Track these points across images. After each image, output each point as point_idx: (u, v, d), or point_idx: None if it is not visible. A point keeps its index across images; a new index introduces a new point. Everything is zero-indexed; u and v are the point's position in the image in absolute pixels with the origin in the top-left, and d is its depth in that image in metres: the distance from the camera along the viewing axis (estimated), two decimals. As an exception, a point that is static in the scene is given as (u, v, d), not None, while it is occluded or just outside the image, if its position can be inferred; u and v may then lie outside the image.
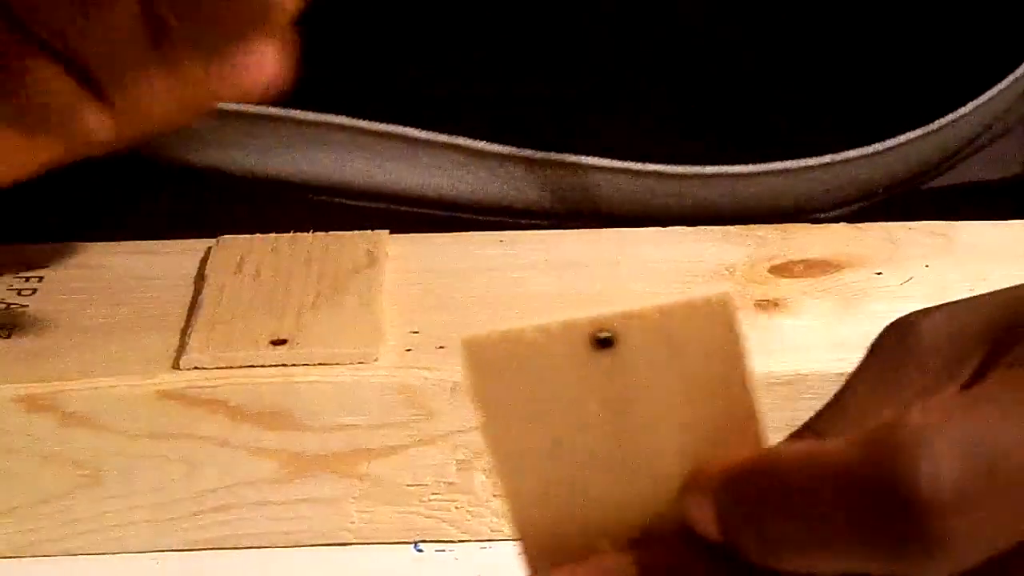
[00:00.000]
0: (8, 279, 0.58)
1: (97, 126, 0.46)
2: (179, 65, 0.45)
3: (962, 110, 0.71)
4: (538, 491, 0.37)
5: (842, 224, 0.60)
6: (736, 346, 0.36)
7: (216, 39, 0.45)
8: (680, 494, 0.36)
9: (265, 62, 0.45)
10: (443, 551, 0.53)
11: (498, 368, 0.36)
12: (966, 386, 0.37)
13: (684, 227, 0.61)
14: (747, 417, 0.36)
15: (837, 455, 0.34)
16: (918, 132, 0.70)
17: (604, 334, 0.36)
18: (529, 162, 0.67)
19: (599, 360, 0.36)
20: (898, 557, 0.33)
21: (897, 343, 0.38)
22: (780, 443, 0.37)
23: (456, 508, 0.53)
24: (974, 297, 0.38)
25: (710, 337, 0.36)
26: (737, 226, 0.61)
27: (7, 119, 0.46)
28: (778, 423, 0.51)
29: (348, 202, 0.67)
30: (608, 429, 0.36)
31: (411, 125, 0.68)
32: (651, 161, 0.68)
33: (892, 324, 0.39)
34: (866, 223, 0.60)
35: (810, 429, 0.38)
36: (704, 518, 0.35)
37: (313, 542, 0.53)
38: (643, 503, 0.37)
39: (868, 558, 0.33)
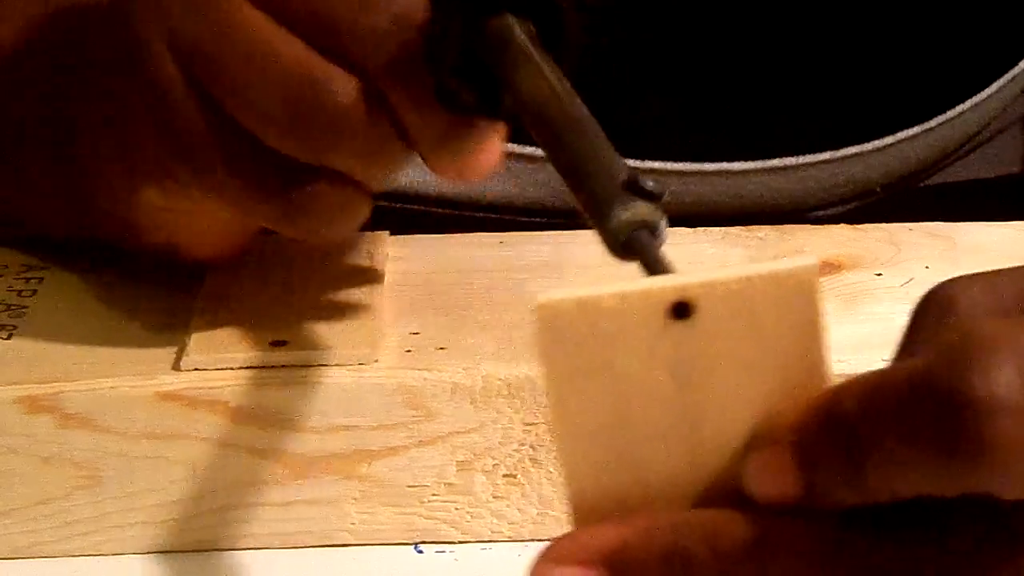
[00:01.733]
0: (9, 279, 0.58)
1: (363, 219, 0.50)
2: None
3: (959, 108, 0.71)
4: (598, 462, 0.36)
5: (842, 225, 0.60)
6: (816, 321, 0.35)
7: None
8: (747, 452, 0.36)
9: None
10: (443, 552, 0.53)
11: (571, 333, 0.35)
12: None
13: (684, 228, 0.61)
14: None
15: (908, 370, 0.34)
16: (915, 130, 0.70)
17: (683, 302, 0.35)
18: (530, 159, 0.67)
19: (675, 330, 0.35)
20: (952, 459, 0.33)
21: (939, 309, 0.38)
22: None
23: (456, 509, 0.53)
24: (1013, 268, 0.38)
25: (791, 310, 0.35)
26: (737, 227, 0.61)
27: (281, 221, 0.49)
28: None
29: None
30: (676, 402, 0.36)
31: None
32: (650, 158, 0.68)
33: (930, 293, 0.38)
34: (866, 224, 0.60)
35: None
36: (781, 467, 0.35)
37: (313, 543, 0.53)
38: (704, 483, 0.36)
39: (932, 464, 0.33)
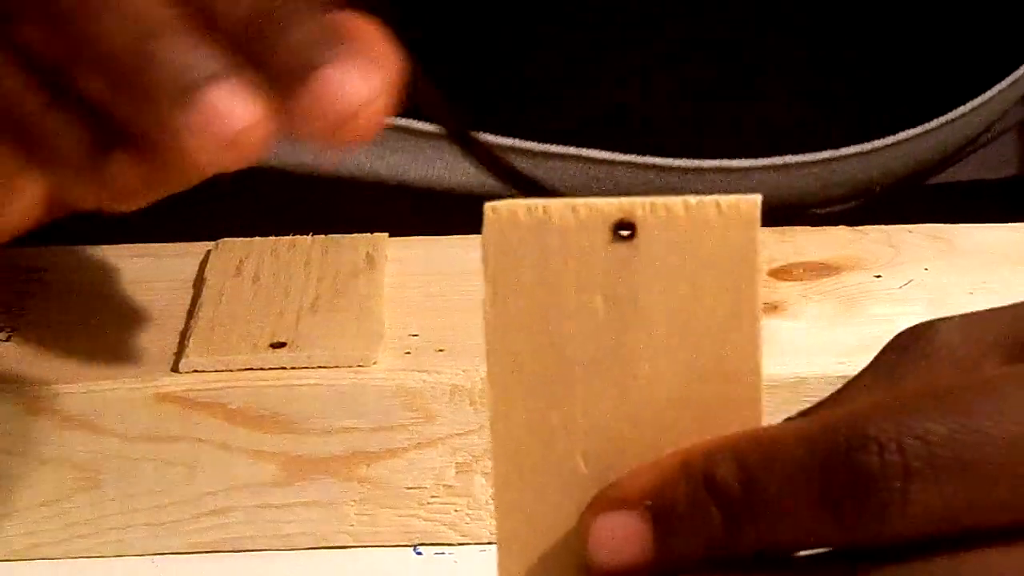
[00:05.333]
0: (8, 280, 0.58)
1: (121, 179, 0.41)
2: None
3: (961, 109, 0.71)
4: (525, 382, 0.36)
5: (841, 227, 0.60)
6: (752, 259, 0.35)
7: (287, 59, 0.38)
8: (587, 514, 0.36)
9: (355, 85, 0.38)
10: (442, 554, 0.53)
11: (517, 243, 0.35)
12: None
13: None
14: (748, 343, 0.36)
15: (800, 437, 0.34)
16: (917, 130, 0.70)
17: (627, 222, 0.35)
18: (531, 154, 0.67)
19: (617, 251, 0.35)
20: (843, 521, 0.33)
21: (909, 344, 0.38)
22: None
23: (455, 511, 0.53)
24: (993, 309, 0.38)
25: (729, 244, 0.35)
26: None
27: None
28: (778, 426, 0.52)
29: (350, 193, 0.67)
30: (610, 332, 0.36)
31: (414, 118, 0.68)
32: (651, 153, 0.68)
33: (908, 328, 0.38)
34: (866, 226, 0.60)
35: (805, 418, 0.38)
36: (634, 533, 0.35)
37: (312, 545, 0.53)
38: (628, 422, 0.36)
39: (827, 528, 0.34)
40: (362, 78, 0.37)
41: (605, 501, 0.36)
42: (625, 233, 0.35)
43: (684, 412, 0.36)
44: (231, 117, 0.37)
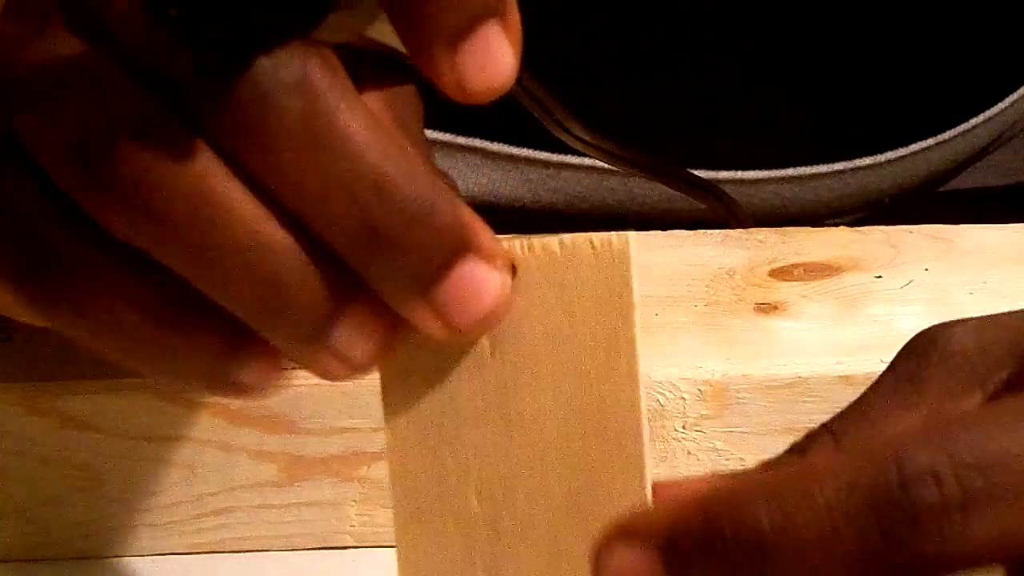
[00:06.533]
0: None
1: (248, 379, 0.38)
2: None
3: (973, 121, 0.71)
4: (420, 424, 0.37)
5: (842, 228, 0.60)
6: (626, 292, 0.36)
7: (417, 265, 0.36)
8: (603, 546, 0.34)
9: (486, 285, 0.37)
10: (443, 554, 0.53)
11: None
12: (993, 398, 0.36)
13: (684, 230, 0.61)
14: (627, 377, 0.36)
15: (832, 468, 0.32)
16: (929, 142, 0.70)
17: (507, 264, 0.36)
18: (545, 164, 0.67)
19: None
20: (899, 557, 0.32)
21: (926, 349, 0.37)
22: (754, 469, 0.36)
23: (455, 511, 0.53)
24: (1005, 314, 0.38)
25: (603, 281, 0.36)
26: (737, 229, 0.61)
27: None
28: (778, 426, 0.52)
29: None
30: (496, 369, 0.37)
31: (427, 127, 0.68)
32: (677, 168, 0.68)
33: (922, 332, 0.38)
34: (866, 227, 0.60)
35: (828, 430, 0.37)
36: (647, 569, 0.33)
37: (313, 545, 0.53)
38: (516, 460, 0.37)
39: (866, 565, 0.32)
40: (491, 272, 0.36)
41: (618, 532, 0.34)
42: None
43: (568, 447, 0.37)
44: (354, 354, 0.37)
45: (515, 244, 0.36)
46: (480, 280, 0.36)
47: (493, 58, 0.35)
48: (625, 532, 0.34)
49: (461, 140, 0.68)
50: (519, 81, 0.51)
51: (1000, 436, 0.32)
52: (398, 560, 0.38)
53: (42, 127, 0.36)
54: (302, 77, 0.34)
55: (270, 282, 0.35)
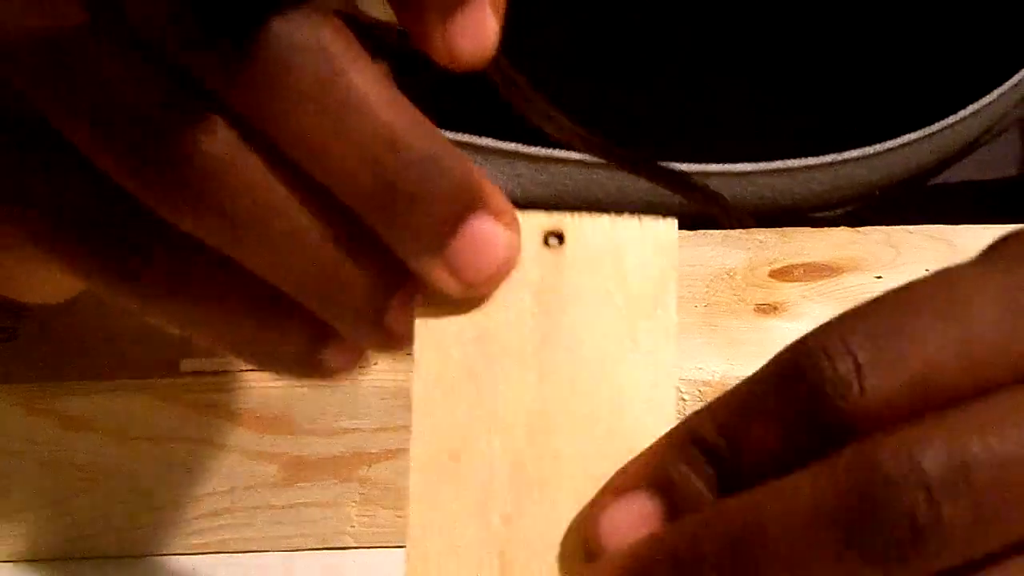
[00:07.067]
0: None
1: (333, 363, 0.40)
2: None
3: (961, 113, 0.71)
4: (452, 379, 0.38)
5: (842, 228, 0.60)
6: (669, 268, 0.38)
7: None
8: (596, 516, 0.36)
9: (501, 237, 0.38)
10: (443, 555, 0.53)
11: None
12: None
13: (684, 231, 0.61)
14: (666, 351, 0.38)
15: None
16: (917, 134, 0.70)
17: (555, 233, 0.38)
18: (534, 159, 0.67)
19: (546, 256, 0.38)
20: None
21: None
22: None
23: (456, 512, 0.53)
24: None
25: (649, 259, 0.38)
26: (737, 230, 0.61)
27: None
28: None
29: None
30: (535, 327, 0.38)
31: None
32: (653, 158, 0.68)
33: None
34: (866, 227, 0.60)
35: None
36: None
37: (313, 546, 0.53)
38: (547, 407, 0.38)
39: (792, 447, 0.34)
40: (501, 228, 0.38)
41: (607, 493, 0.37)
42: (554, 243, 0.38)
43: (599, 402, 0.38)
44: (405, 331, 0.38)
45: (564, 216, 0.38)
46: (492, 236, 0.37)
47: (481, 27, 0.37)
48: (612, 490, 0.36)
49: (449, 135, 0.68)
50: (500, 68, 0.51)
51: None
52: (411, 507, 0.38)
53: (68, 118, 0.36)
54: (317, 39, 0.35)
55: (320, 269, 0.37)
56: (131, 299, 0.39)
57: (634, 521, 0.36)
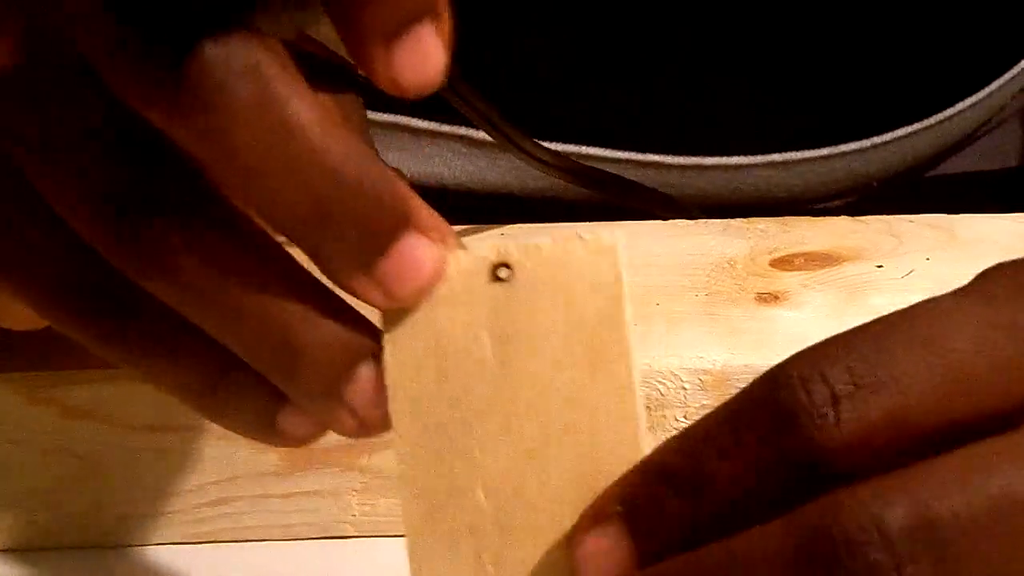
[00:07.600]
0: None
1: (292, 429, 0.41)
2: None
3: (959, 106, 0.71)
4: (424, 424, 0.38)
5: (843, 217, 0.60)
6: (617, 282, 0.38)
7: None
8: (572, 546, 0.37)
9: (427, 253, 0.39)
10: (444, 544, 0.53)
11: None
12: None
13: (685, 220, 0.61)
14: (621, 363, 0.38)
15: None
16: (915, 127, 0.70)
17: (503, 265, 0.38)
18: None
19: (496, 291, 0.38)
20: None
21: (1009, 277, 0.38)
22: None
23: (457, 501, 0.53)
24: None
25: (594, 271, 0.38)
26: (738, 219, 0.61)
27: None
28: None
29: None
30: (496, 363, 0.38)
31: (413, 115, 0.68)
32: (650, 151, 0.68)
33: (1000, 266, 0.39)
34: (867, 216, 0.60)
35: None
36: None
37: (314, 535, 0.53)
38: (519, 452, 0.38)
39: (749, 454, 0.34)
40: (429, 245, 0.38)
41: (583, 522, 0.37)
42: (504, 274, 0.38)
43: (569, 439, 0.38)
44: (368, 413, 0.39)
45: (509, 245, 0.38)
46: (419, 253, 0.38)
47: (426, 56, 0.37)
48: (588, 519, 0.37)
49: (447, 128, 0.68)
50: (454, 86, 0.51)
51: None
52: (410, 563, 0.39)
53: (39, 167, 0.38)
54: (253, 64, 0.35)
55: (269, 335, 0.38)
56: (100, 350, 0.41)
57: (608, 550, 0.36)
